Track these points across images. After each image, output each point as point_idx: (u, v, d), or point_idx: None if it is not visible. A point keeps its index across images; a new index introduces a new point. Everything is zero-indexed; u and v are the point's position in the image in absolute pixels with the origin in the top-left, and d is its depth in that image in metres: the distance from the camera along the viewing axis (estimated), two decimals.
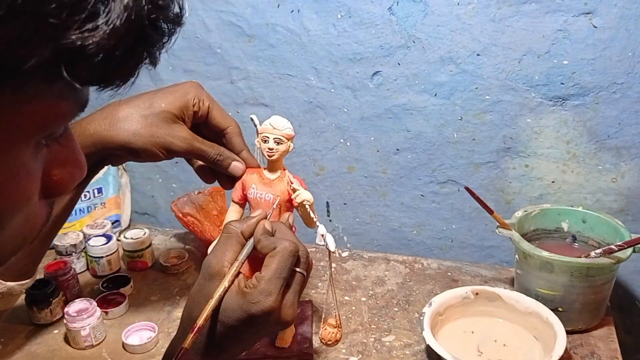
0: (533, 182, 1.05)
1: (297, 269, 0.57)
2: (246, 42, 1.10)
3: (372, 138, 1.09)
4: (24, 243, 0.35)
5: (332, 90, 1.08)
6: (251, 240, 0.60)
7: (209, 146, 0.70)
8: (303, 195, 0.76)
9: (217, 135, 0.73)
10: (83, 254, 1.07)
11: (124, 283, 1.01)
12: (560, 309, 0.85)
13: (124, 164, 1.24)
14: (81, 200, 1.19)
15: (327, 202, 1.18)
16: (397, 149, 1.09)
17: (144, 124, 0.66)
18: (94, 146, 0.65)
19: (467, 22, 0.97)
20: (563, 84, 0.96)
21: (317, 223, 0.78)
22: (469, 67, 1.00)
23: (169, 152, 0.68)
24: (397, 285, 1.03)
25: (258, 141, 0.78)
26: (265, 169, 0.81)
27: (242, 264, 0.58)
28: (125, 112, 0.65)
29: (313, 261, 1.09)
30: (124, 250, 1.08)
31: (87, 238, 1.07)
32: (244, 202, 0.84)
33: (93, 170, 0.69)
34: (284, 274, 0.55)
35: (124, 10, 0.27)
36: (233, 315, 0.54)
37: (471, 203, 1.02)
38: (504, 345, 0.83)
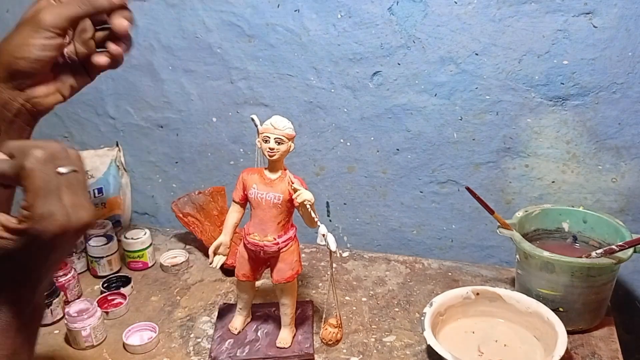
0: (533, 182, 1.05)
1: (60, 170, 0.46)
2: (246, 42, 1.09)
3: (372, 138, 1.09)
4: None
5: (332, 90, 1.08)
6: None
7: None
8: (304, 195, 0.76)
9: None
10: (83, 254, 1.07)
11: (124, 283, 1.01)
12: (561, 309, 0.85)
13: (123, 164, 1.24)
14: None
15: (327, 202, 1.18)
16: (397, 149, 1.09)
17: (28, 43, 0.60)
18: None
19: (467, 22, 0.97)
20: (563, 84, 0.96)
21: (318, 223, 0.78)
22: (469, 67, 1.00)
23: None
24: (398, 285, 1.03)
25: (259, 141, 0.78)
26: (266, 169, 0.81)
27: None
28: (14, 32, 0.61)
29: (313, 261, 1.10)
30: (124, 250, 1.08)
31: (87, 238, 1.07)
32: (244, 202, 0.84)
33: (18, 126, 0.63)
34: (51, 186, 0.45)
35: None
36: (30, 256, 0.47)
37: (471, 203, 1.02)
38: (505, 345, 0.83)
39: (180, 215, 1.11)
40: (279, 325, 0.87)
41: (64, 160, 0.47)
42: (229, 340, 0.87)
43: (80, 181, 0.48)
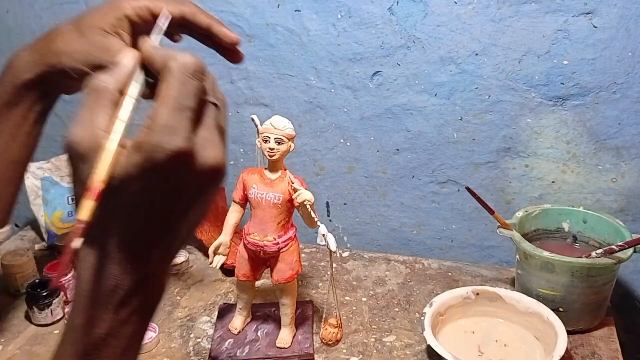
0: (533, 182, 1.05)
1: (208, 98, 0.40)
2: (246, 42, 1.09)
3: (372, 138, 1.09)
4: None
5: (332, 90, 1.08)
6: (140, 78, 0.41)
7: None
8: (304, 195, 0.76)
9: (190, 30, 0.63)
10: None
11: None
12: (561, 309, 0.85)
13: None
14: None
15: (327, 202, 1.18)
16: (397, 149, 1.09)
17: (72, 41, 0.60)
18: (29, 71, 0.61)
19: (467, 22, 0.97)
20: (563, 84, 0.96)
21: (318, 223, 0.78)
22: (469, 67, 1.00)
23: (99, 69, 0.62)
24: (398, 285, 1.03)
25: (259, 141, 0.78)
26: (266, 169, 0.81)
27: (131, 120, 0.38)
28: (54, 34, 0.61)
29: (313, 261, 1.10)
30: None
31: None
32: (244, 202, 0.84)
33: (43, 99, 0.64)
34: (188, 102, 0.38)
35: None
36: (134, 182, 0.36)
37: (471, 203, 1.02)
38: (505, 345, 0.83)
39: None
40: (279, 325, 0.87)
41: (211, 87, 0.40)
42: (229, 340, 0.87)
43: (219, 120, 0.40)
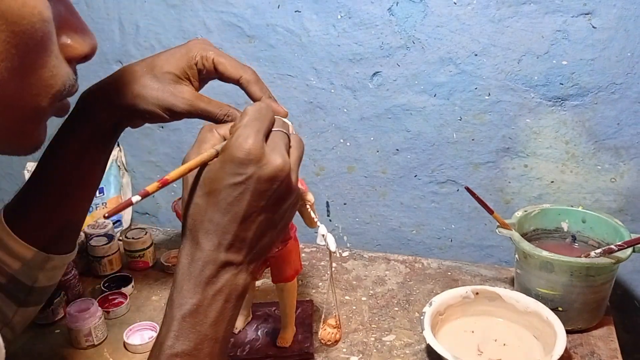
0: (532, 182, 1.05)
1: (275, 128, 0.54)
2: (246, 42, 1.10)
3: (372, 138, 1.10)
4: (43, 101, 0.42)
5: (332, 91, 1.08)
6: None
7: (215, 106, 0.66)
8: (304, 195, 0.77)
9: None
10: (84, 254, 1.08)
11: (125, 283, 1.01)
12: (560, 309, 0.86)
13: (124, 164, 1.24)
14: None
15: (327, 202, 1.18)
16: (397, 149, 1.09)
17: (147, 86, 0.64)
18: (104, 110, 0.65)
19: (466, 23, 0.97)
20: (562, 84, 0.97)
21: (318, 223, 0.78)
22: (469, 67, 1.00)
23: (172, 114, 0.65)
24: (398, 284, 1.03)
25: None
26: None
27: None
28: (129, 76, 0.65)
29: (313, 261, 1.10)
30: (125, 250, 1.09)
31: (88, 238, 1.07)
32: None
33: (113, 134, 0.68)
34: (260, 120, 0.52)
35: None
36: (219, 179, 0.50)
37: (470, 203, 1.02)
38: (504, 344, 0.84)
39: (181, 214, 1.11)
40: (279, 324, 0.87)
41: (281, 124, 0.55)
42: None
43: (284, 140, 0.53)
